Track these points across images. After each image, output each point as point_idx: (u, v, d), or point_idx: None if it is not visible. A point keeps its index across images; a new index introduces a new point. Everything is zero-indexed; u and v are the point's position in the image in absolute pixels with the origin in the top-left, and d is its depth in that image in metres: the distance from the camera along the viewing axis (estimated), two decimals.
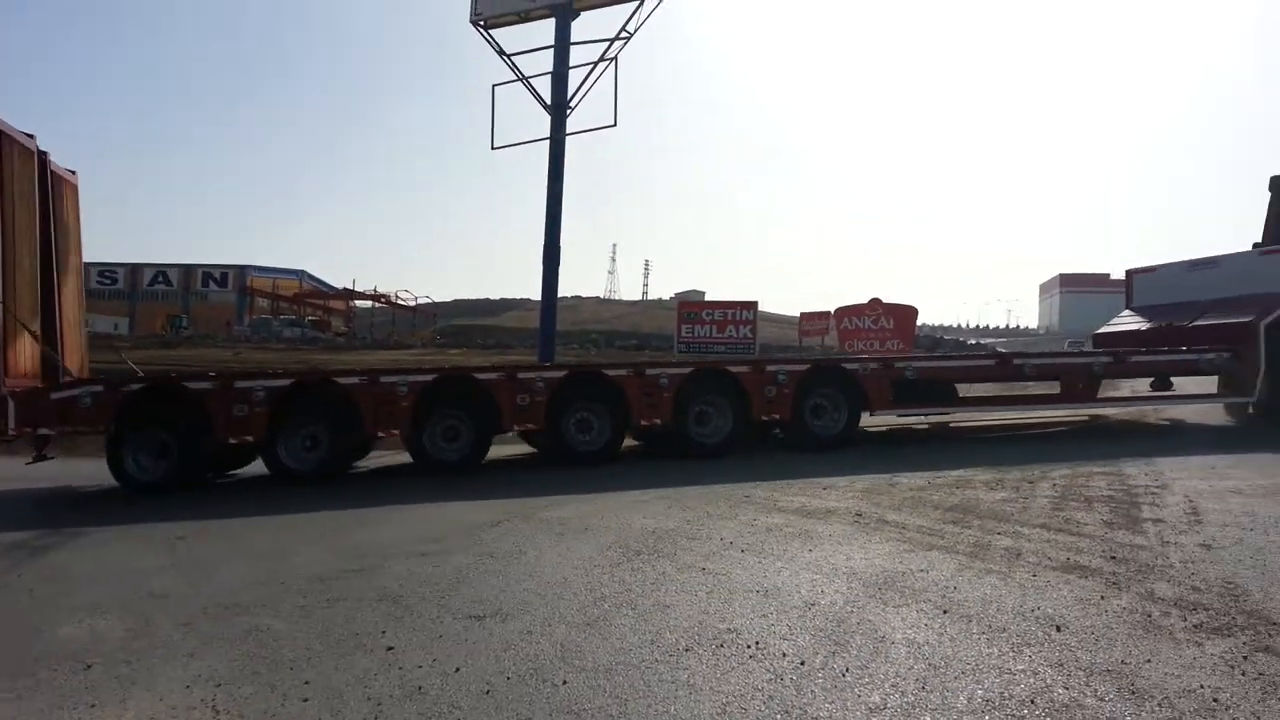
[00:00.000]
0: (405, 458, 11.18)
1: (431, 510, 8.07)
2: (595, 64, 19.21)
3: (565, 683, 3.84)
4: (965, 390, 12.92)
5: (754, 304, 17.84)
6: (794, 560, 5.84)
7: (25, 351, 9.66)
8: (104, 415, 9.62)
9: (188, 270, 65.52)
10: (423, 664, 4.12)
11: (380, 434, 10.48)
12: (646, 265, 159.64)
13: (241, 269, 66.41)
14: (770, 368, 11.45)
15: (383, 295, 61.81)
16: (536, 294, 18.93)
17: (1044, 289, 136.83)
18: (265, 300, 65.19)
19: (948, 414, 13.18)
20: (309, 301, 64.54)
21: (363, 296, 63.62)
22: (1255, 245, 15.59)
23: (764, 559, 5.90)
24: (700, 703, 3.61)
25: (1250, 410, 13.21)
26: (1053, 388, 12.97)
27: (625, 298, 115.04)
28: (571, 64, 19.21)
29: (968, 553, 5.91)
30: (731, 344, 17.64)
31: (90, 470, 10.67)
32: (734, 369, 11.32)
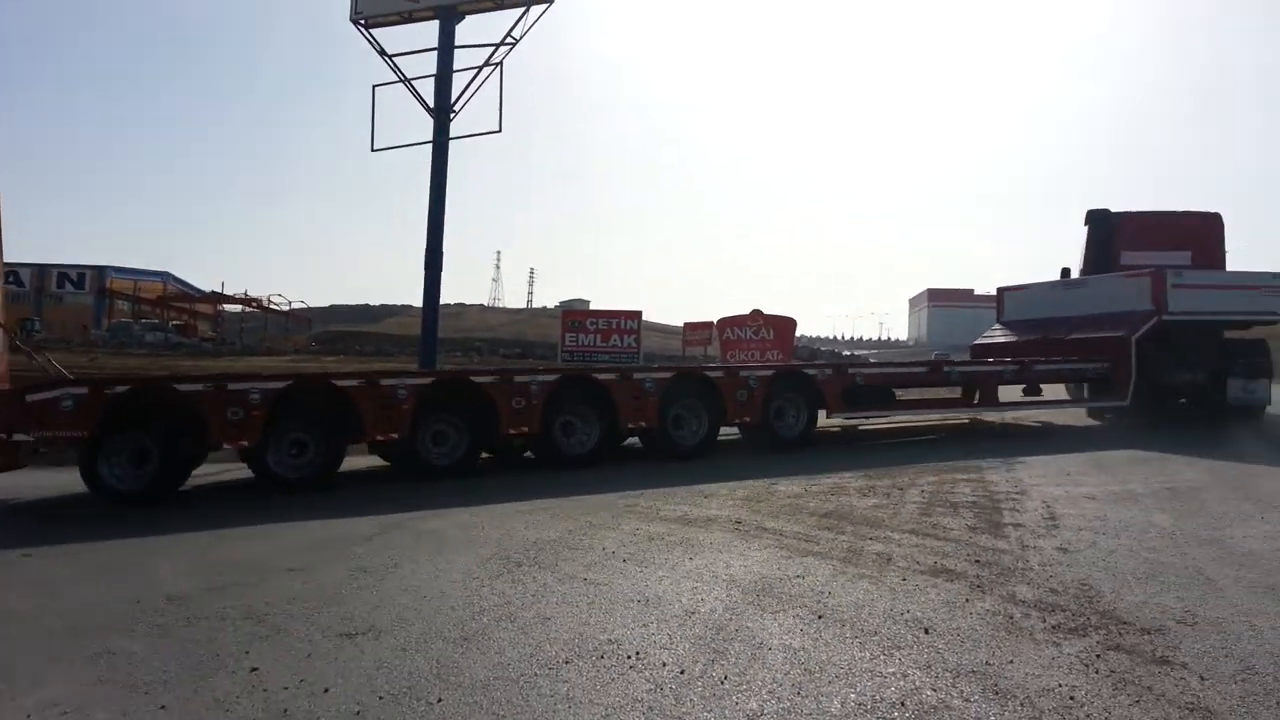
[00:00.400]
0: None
1: (299, 526, 7.74)
2: (480, 68, 18.99)
3: (440, 700, 3.73)
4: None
5: (638, 313, 17.94)
6: (675, 569, 5.85)
7: None
8: (87, 419, 8.77)
9: (41, 270, 61.35)
10: (289, 685, 3.93)
11: (379, 437, 10.02)
12: (531, 273, 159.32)
13: (100, 270, 62.57)
14: (744, 373, 12.13)
15: (254, 299, 59.30)
16: (418, 300, 18.55)
17: (913, 303, 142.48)
18: (126, 303, 61.64)
19: (887, 416, 14.23)
20: (173, 305, 61.34)
21: (232, 300, 60.82)
22: (1064, 271, 18.62)
23: (645, 568, 5.89)
24: (579, 715, 3.56)
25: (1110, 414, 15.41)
26: (953, 392, 14.54)
27: (510, 306, 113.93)
28: (457, 68, 18.92)
29: (841, 558, 6.06)
30: (616, 353, 17.67)
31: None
32: (711, 374, 12.13)
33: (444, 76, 18.79)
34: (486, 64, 19.00)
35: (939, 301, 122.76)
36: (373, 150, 18.75)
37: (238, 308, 62.97)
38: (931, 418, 15.41)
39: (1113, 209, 17.89)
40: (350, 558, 6.37)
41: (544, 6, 18.85)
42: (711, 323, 19.36)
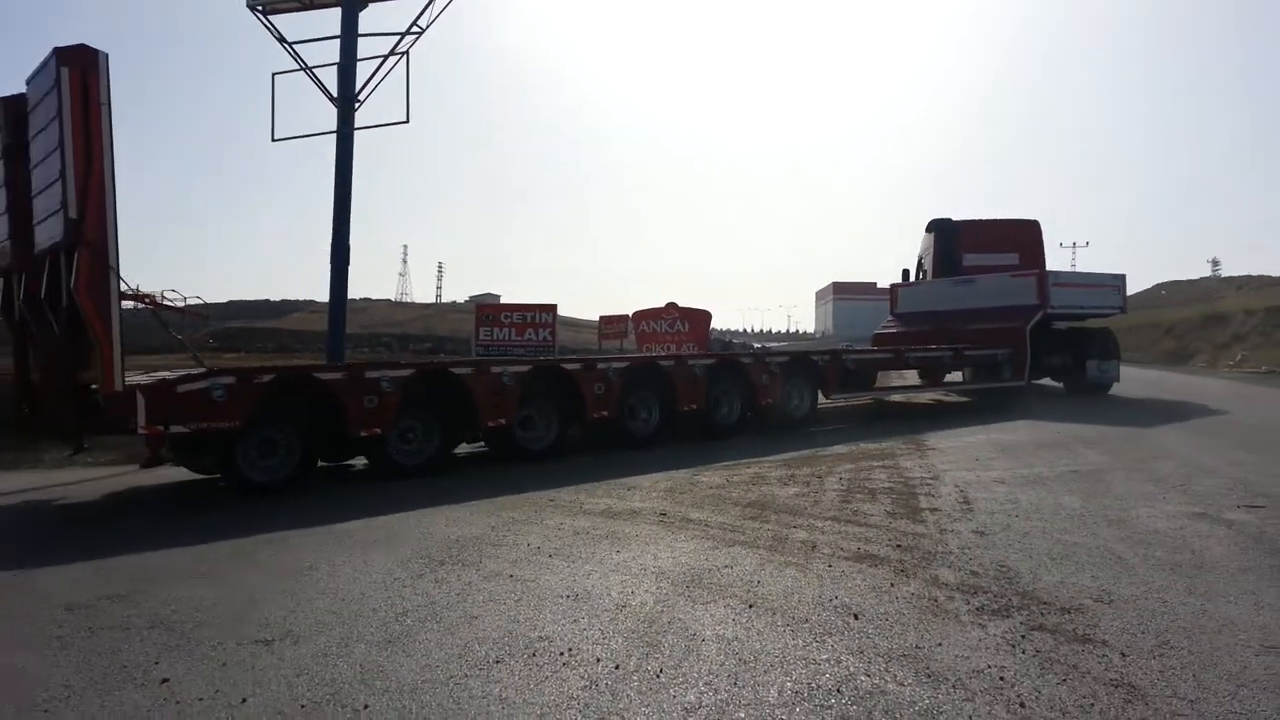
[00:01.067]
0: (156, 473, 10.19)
1: (205, 530, 7.38)
2: (385, 58, 18.50)
3: (367, 707, 3.57)
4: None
5: (553, 307, 17.75)
6: (603, 563, 5.78)
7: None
8: (239, 409, 8.53)
9: None
10: (204, 696, 3.71)
11: (490, 424, 10.30)
12: (440, 268, 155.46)
13: None
14: (768, 359, 13.74)
15: (145, 295, 56.75)
16: (323, 295, 17.96)
17: (819, 296, 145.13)
18: None
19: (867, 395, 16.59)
20: None
21: (122, 297, 58.19)
22: (905, 272, 22.70)
23: (572, 563, 5.80)
24: (514, 716, 3.45)
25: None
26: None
27: (419, 300, 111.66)
28: (361, 56, 18.38)
29: (768, 547, 6.07)
30: (531, 346, 17.43)
31: None
32: (743, 360, 13.46)
33: (348, 65, 18.21)
34: (392, 53, 18.51)
35: (844, 295, 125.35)
36: (273, 140, 18.07)
37: (129, 304, 60.12)
38: (895, 396, 18.13)
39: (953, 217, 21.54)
40: (262, 562, 6.10)
41: None
42: (627, 316, 19.31)
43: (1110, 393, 19.17)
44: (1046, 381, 19.52)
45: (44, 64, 8.28)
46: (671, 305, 19.32)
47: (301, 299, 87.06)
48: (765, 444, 11.60)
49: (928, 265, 21.90)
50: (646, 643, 4.22)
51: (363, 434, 9.32)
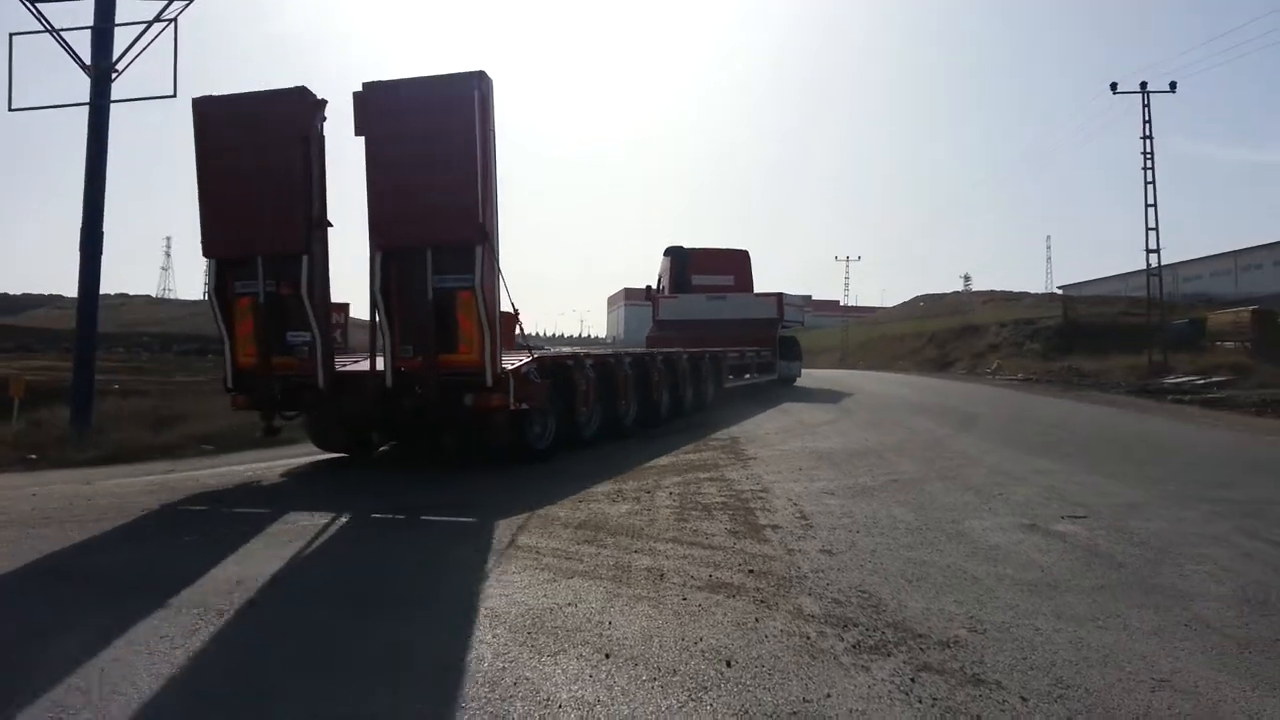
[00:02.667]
0: None
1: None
2: (150, 24, 16.40)
3: None
4: None
5: (345, 306, 16.33)
6: (424, 605, 4.93)
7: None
8: (544, 389, 10.39)
9: None
10: None
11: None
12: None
13: None
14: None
15: None
16: (72, 290, 15.64)
17: (611, 302, 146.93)
18: None
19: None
20: None
21: None
22: (648, 288, 29.28)
23: (385, 607, 4.91)
24: None
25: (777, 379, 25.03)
26: None
27: (184, 298, 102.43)
28: (123, 20, 16.21)
29: (611, 578, 5.44)
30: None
31: None
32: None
33: (104, 30, 15.99)
34: (158, 19, 16.44)
35: (634, 301, 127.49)
36: (10, 109, 15.58)
37: None
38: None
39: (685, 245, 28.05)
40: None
41: None
42: None
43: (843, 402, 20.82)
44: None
45: (423, 81, 9.52)
46: None
47: (45, 293, 78.27)
48: (582, 456, 10.99)
49: (665, 283, 27.76)
50: (491, 714, 3.46)
51: (582, 410, 11.71)
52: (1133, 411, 17.91)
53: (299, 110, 9.86)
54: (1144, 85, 30.28)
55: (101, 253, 15.20)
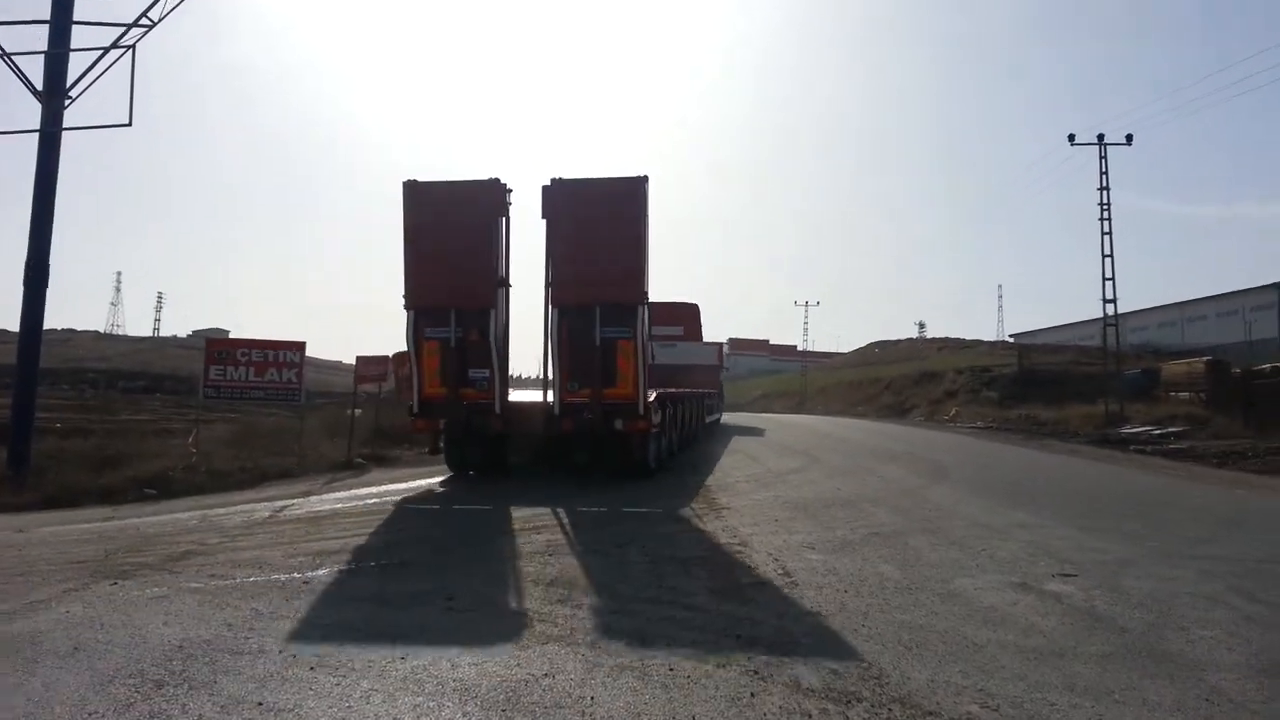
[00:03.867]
0: None
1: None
2: (107, 50, 15.94)
3: None
4: None
5: (301, 345, 15.71)
6: (384, 676, 4.50)
7: None
8: (661, 418, 14.26)
9: None
10: None
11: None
12: (160, 298, 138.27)
13: None
14: None
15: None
16: (14, 324, 14.94)
17: None
18: None
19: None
20: None
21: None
22: None
23: (344, 678, 4.47)
24: None
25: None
26: None
27: (132, 334, 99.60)
28: (79, 46, 15.71)
29: (588, 644, 5.04)
30: (273, 389, 15.30)
31: None
32: None
33: (58, 55, 15.49)
34: (115, 45, 16.00)
35: None
36: None
37: None
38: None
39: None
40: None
41: None
42: (387, 357, 17.63)
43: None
44: None
45: (602, 180, 12.88)
46: None
47: None
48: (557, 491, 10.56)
49: None
50: None
51: (671, 435, 15.74)
52: (1099, 462, 17.86)
53: (494, 195, 12.94)
54: (1101, 137, 30.94)
55: (46, 283, 14.56)
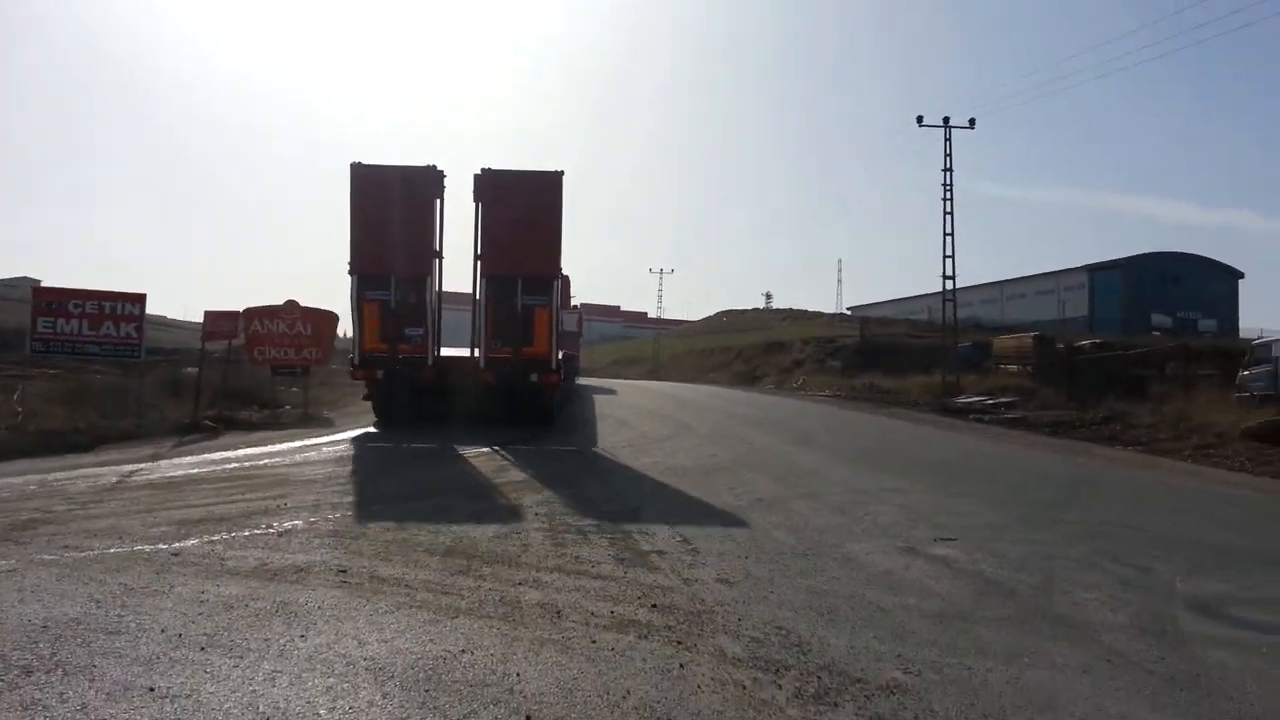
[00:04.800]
0: None
1: None
2: None
3: None
4: None
5: (141, 296, 14.46)
6: (287, 655, 4.18)
7: None
8: (564, 374, 18.28)
9: None
10: None
11: None
12: None
13: None
14: None
15: None
16: None
17: None
18: None
19: None
20: None
21: None
22: None
23: (241, 659, 4.12)
24: None
25: None
26: None
27: None
28: None
29: (501, 616, 4.87)
30: (111, 344, 14.06)
31: None
32: None
33: None
34: None
35: (450, 305, 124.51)
36: None
37: None
38: None
39: None
40: None
41: None
42: (237, 313, 16.57)
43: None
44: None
45: (526, 173, 15.29)
46: (292, 304, 16.95)
47: None
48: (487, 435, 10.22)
49: None
50: None
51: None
52: (943, 430, 18.90)
53: (432, 179, 15.25)
54: (946, 120, 32.47)
55: None
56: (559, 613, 4.96)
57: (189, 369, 22.64)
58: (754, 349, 57.45)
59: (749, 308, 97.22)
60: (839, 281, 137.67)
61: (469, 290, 15.69)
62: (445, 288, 16.12)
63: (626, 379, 49.84)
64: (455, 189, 15.39)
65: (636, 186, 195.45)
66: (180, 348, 31.87)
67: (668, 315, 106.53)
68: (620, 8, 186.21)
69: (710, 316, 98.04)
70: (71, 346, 14.29)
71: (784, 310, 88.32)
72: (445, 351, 16.18)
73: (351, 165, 14.80)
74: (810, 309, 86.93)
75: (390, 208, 14.95)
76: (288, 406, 17.54)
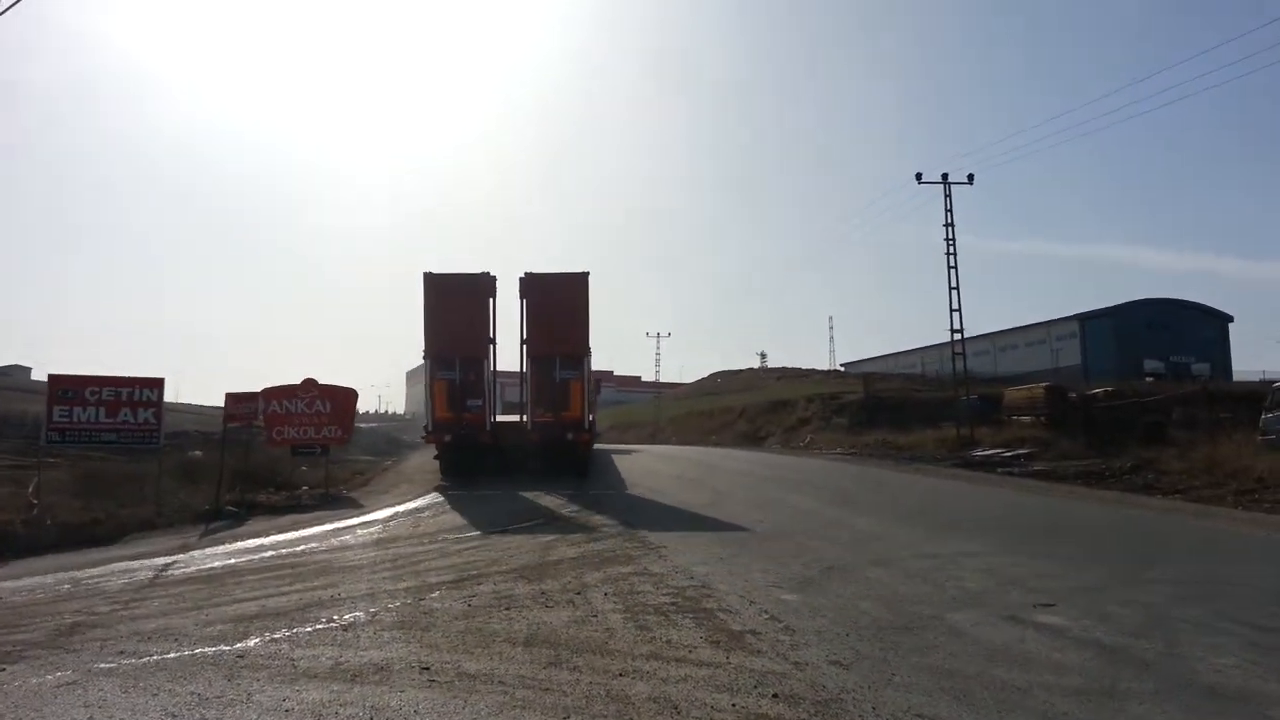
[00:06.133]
0: None
1: None
2: None
3: None
4: None
5: (159, 381, 14.15)
6: None
7: None
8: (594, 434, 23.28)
9: None
10: None
11: None
12: None
13: None
14: None
15: None
16: None
17: (410, 376, 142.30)
18: None
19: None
20: None
21: None
22: None
23: None
24: None
25: None
26: None
27: None
28: None
29: (616, 714, 4.48)
30: (127, 431, 13.68)
31: None
32: None
33: None
34: None
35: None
36: None
37: None
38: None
39: None
40: None
41: None
42: (257, 394, 16.24)
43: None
44: None
45: (561, 275, 19.91)
46: (310, 382, 16.65)
47: None
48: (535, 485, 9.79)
49: None
50: None
51: None
52: (976, 485, 18.53)
53: (486, 283, 19.54)
54: (945, 176, 32.59)
55: None
56: (676, 707, 4.57)
57: (194, 452, 22.27)
58: (756, 408, 57.03)
59: (743, 368, 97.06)
60: (831, 338, 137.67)
61: (517, 368, 19.65)
62: (499, 365, 20.01)
63: (630, 443, 49.35)
64: (503, 285, 19.79)
65: (627, 251, 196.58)
66: (178, 430, 31.39)
67: (663, 379, 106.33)
68: (600, 70, 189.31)
69: (704, 378, 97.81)
70: (89, 435, 13.89)
71: (778, 369, 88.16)
72: (500, 417, 20.62)
73: (424, 274, 19.25)
74: (804, 366, 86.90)
75: (455, 306, 19.15)
76: (305, 487, 17.09)
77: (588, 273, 19.18)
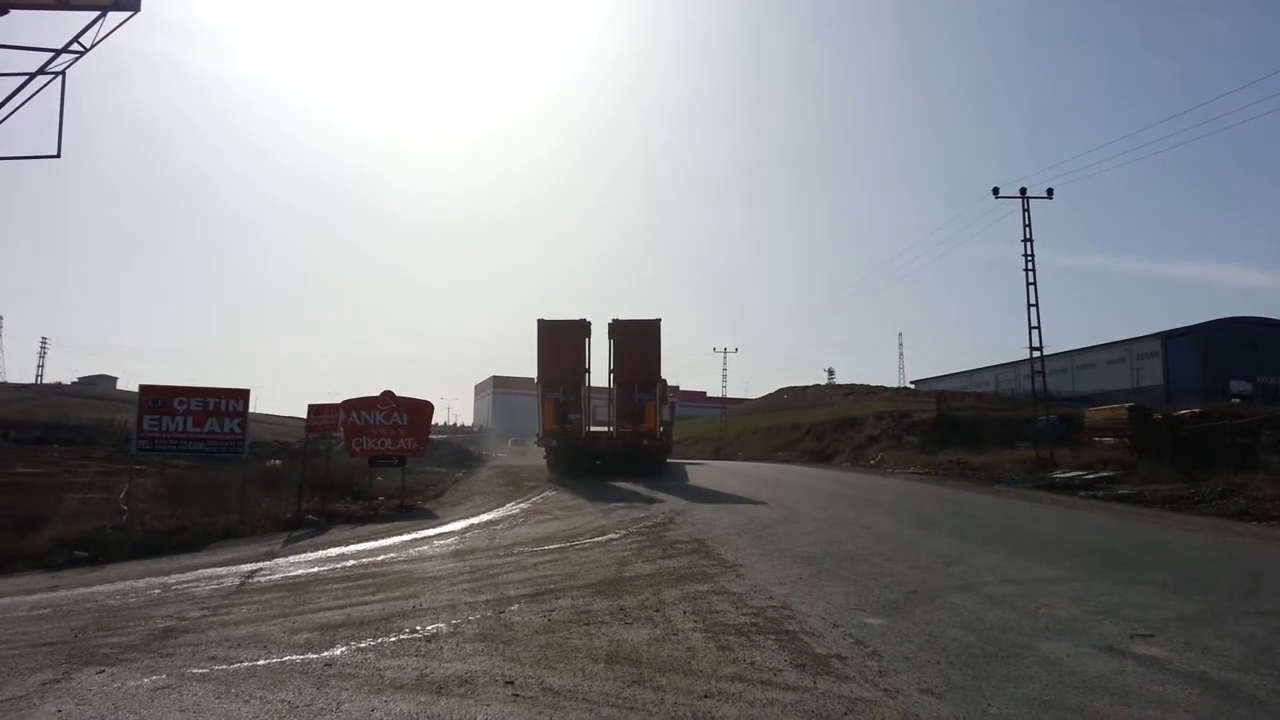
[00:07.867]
0: None
1: None
2: (32, 76, 14.83)
3: None
4: None
5: (245, 392, 14.56)
6: None
7: None
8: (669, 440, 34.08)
9: None
10: None
11: None
12: (43, 343, 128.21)
13: None
14: None
15: None
16: None
17: (479, 390, 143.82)
18: None
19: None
20: None
21: None
22: None
23: None
24: None
25: None
26: None
27: (11, 380, 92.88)
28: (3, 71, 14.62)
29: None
30: (215, 441, 14.08)
31: None
32: None
33: None
34: (42, 71, 14.90)
35: (503, 388, 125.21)
36: None
37: None
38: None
39: None
40: None
41: (126, 15, 15.27)
42: (338, 405, 16.58)
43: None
44: None
45: (640, 321, 28.09)
46: (388, 394, 16.94)
47: None
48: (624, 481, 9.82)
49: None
50: None
51: None
52: (1061, 508, 17.99)
53: (583, 327, 27.03)
54: (1023, 191, 31.89)
55: None
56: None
57: (273, 461, 22.85)
58: (824, 425, 56.26)
59: (810, 384, 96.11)
60: (900, 355, 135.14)
61: (605, 389, 27.24)
62: (592, 386, 26.72)
63: (695, 458, 49.16)
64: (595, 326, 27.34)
65: (692, 266, 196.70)
66: (256, 440, 32.18)
67: (729, 394, 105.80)
68: (668, 95, 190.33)
69: (770, 394, 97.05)
70: (177, 444, 14.31)
71: (846, 385, 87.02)
72: (592, 429, 27.87)
73: (538, 321, 26.99)
74: (872, 383, 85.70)
75: (559, 344, 26.44)
76: (381, 498, 17.36)
77: (659, 319, 27.17)
